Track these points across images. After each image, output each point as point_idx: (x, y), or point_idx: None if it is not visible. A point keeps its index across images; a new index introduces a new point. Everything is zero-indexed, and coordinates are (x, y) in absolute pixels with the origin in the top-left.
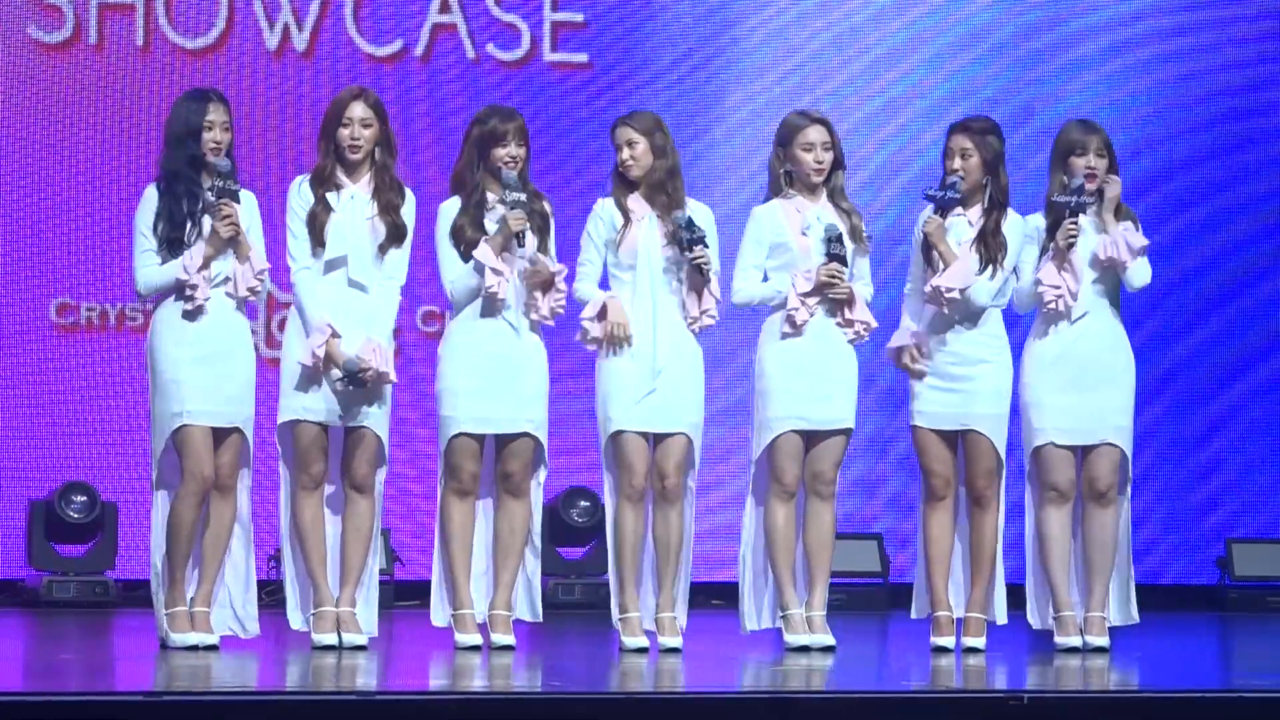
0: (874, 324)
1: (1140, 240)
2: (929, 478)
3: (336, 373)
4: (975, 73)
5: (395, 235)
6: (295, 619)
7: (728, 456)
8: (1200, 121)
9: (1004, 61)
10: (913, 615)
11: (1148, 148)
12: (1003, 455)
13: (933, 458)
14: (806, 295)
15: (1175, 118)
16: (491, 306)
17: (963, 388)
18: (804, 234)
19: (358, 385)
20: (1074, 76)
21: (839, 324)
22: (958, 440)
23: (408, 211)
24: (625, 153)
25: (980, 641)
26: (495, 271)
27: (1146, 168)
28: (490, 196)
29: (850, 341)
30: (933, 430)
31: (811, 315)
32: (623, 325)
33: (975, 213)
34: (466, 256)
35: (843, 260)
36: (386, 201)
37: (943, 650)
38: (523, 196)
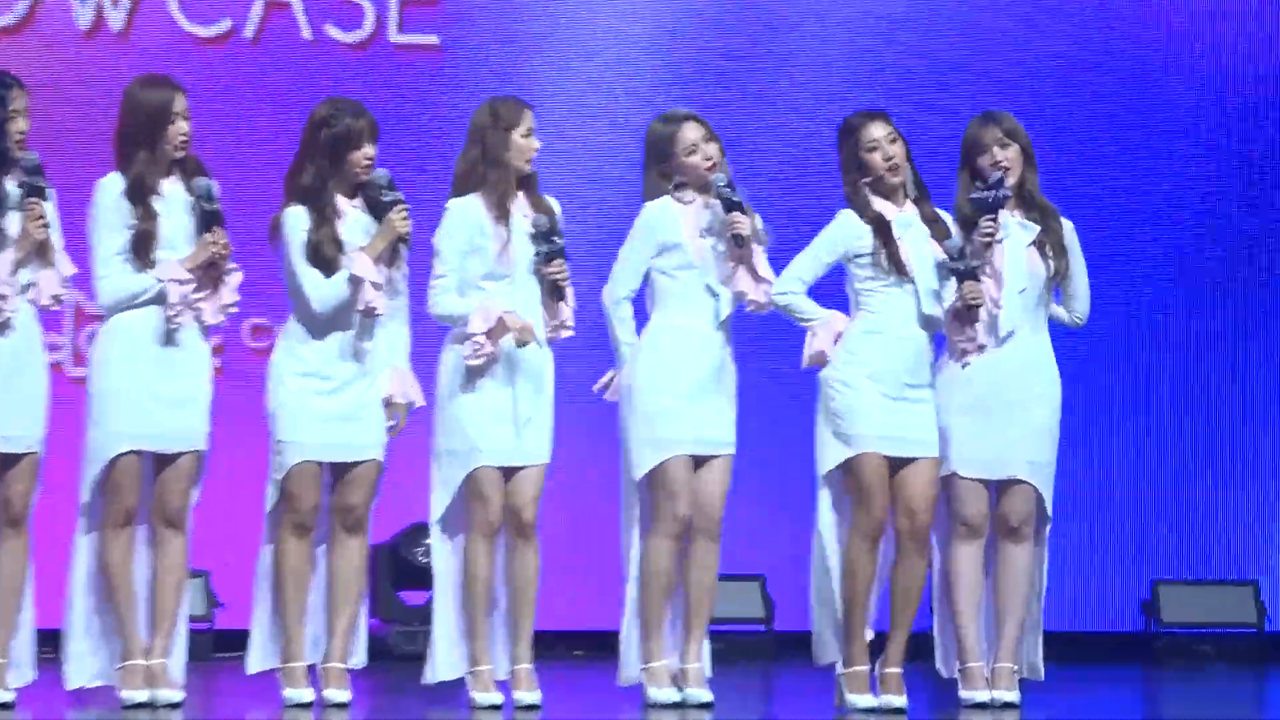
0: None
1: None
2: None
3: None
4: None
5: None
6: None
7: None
8: (1167, 134)
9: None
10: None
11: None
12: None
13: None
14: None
15: (1149, 130)
16: (352, 322)
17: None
18: (701, 237)
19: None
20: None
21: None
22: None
23: None
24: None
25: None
26: (375, 285)
27: (1100, 183)
28: (341, 203)
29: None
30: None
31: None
32: (528, 328)
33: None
34: (328, 272)
35: (739, 208)
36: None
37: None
38: (401, 195)
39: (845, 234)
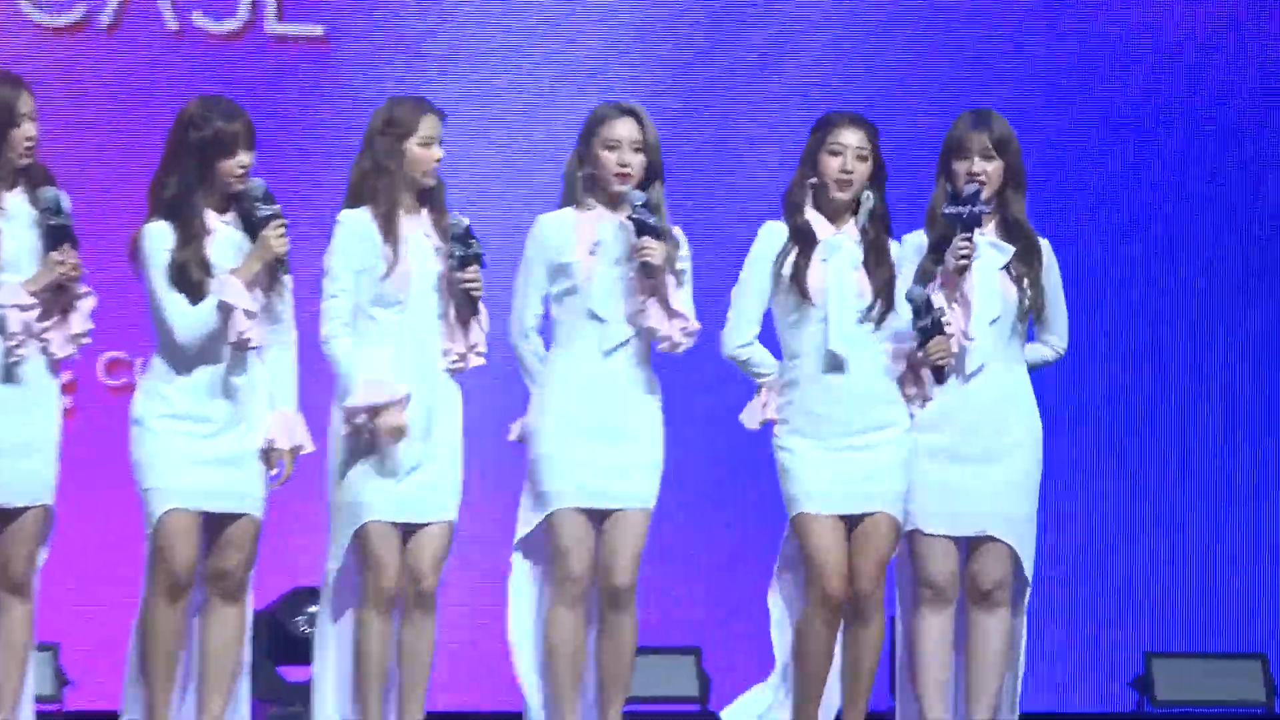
0: (696, 325)
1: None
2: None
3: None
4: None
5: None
6: None
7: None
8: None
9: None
10: None
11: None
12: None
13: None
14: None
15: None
16: (222, 355)
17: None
18: (591, 254)
19: None
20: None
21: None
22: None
23: None
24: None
25: None
26: (248, 313)
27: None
28: (211, 218)
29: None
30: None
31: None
32: (401, 430)
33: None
34: (195, 298)
35: (653, 233)
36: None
37: None
38: (279, 209)
39: (769, 247)
